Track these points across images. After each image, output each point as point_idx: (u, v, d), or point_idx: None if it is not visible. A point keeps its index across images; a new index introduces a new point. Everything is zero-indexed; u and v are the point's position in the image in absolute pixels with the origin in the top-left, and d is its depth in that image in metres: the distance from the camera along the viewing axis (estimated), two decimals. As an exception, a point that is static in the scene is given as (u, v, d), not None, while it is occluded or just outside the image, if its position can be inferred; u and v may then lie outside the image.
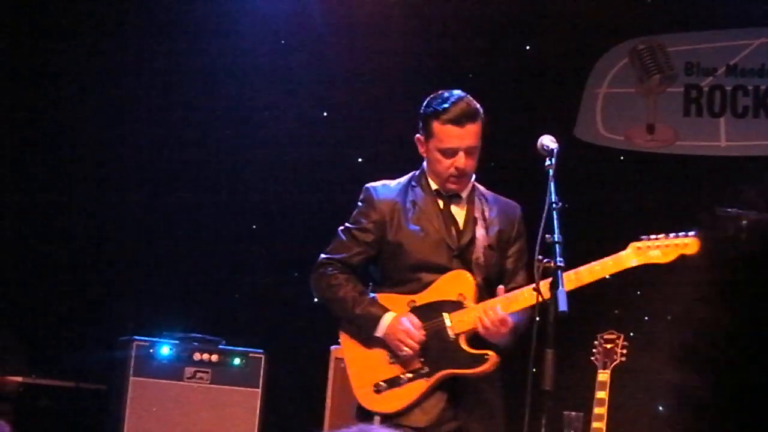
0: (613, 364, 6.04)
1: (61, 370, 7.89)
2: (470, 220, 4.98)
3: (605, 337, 6.09)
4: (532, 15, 8.64)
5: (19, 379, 7.66)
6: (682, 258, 4.87)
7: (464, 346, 4.84)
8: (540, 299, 4.50)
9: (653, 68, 8.58)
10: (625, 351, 6.05)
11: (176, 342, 7.41)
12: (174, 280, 8.40)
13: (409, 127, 8.54)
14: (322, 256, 5.06)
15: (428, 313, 4.84)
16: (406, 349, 4.77)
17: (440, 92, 5.00)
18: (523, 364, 4.61)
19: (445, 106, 4.90)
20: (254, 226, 8.67)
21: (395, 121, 8.64)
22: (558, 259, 4.42)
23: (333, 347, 6.98)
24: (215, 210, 8.59)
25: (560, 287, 4.35)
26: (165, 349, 7.36)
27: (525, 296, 4.81)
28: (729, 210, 5.65)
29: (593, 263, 4.87)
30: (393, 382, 4.81)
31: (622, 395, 6.81)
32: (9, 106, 8.43)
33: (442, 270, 4.89)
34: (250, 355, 7.47)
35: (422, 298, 4.88)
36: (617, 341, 6.06)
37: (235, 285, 8.55)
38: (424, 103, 5.03)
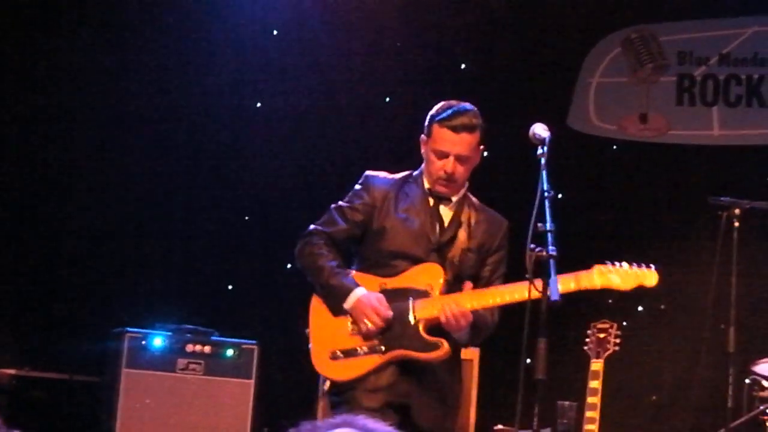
0: (607, 354, 6.04)
1: (54, 362, 7.88)
2: (455, 222, 5.19)
3: (598, 326, 6.09)
4: (525, 5, 8.63)
5: (12, 371, 7.65)
6: (640, 288, 5.06)
7: (422, 332, 5.03)
8: (532, 289, 4.51)
9: (646, 57, 8.57)
10: (618, 340, 6.06)
11: (169, 333, 7.40)
12: (167, 272, 8.39)
13: (404, 117, 8.59)
14: (311, 226, 5.29)
15: (395, 297, 5.05)
16: (369, 324, 4.99)
17: (451, 101, 5.24)
18: (516, 353, 4.62)
19: (449, 112, 5.14)
20: (246, 218, 8.66)
21: (390, 113, 8.65)
22: (550, 248, 4.42)
23: (326, 338, 6.98)
24: (208, 202, 8.58)
25: (552, 276, 4.36)
26: (158, 341, 7.35)
27: (493, 297, 5.03)
28: (722, 199, 5.63)
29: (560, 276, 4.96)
30: (349, 353, 5.03)
31: (615, 384, 6.81)
32: (3, 100, 8.42)
33: (418, 261, 5.12)
34: (243, 346, 7.46)
35: (393, 282, 5.10)
36: (610, 330, 6.07)
37: (227, 276, 8.54)
38: (434, 108, 5.23)
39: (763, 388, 6.19)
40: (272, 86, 8.68)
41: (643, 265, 5.08)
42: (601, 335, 6.06)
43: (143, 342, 7.32)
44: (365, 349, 5.02)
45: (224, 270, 8.51)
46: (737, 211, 6.00)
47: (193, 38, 8.57)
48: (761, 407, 6.16)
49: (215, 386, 7.35)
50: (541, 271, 4.48)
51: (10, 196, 8.38)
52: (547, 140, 4.76)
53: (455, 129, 5.09)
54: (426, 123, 5.20)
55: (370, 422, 2.38)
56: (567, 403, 6.77)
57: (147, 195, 8.47)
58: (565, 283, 4.81)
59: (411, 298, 5.04)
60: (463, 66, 8.68)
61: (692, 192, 7.88)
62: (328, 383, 5.11)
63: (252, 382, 7.40)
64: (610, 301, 7.10)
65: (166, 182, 8.52)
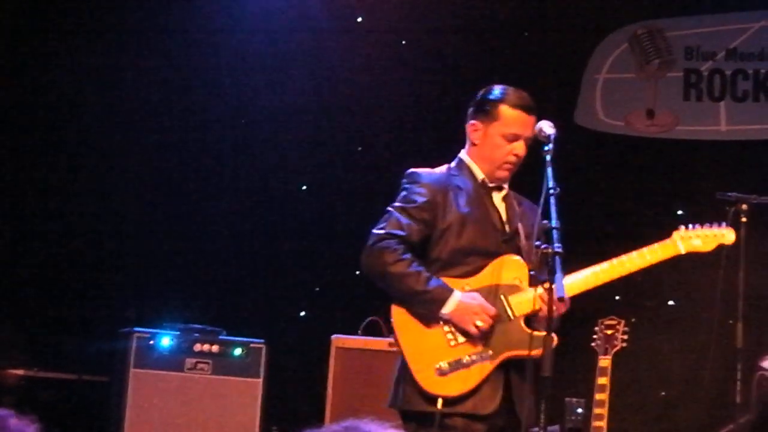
0: (614, 350, 6.02)
1: (63, 363, 7.89)
2: (510, 210, 5.01)
3: (606, 322, 6.07)
4: (531, 0, 8.62)
5: (21, 372, 7.67)
6: (721, 247, 5.17)
7: (525, 328, 4.82)
8: (546, 287, 4.45)
9: (653, 53, 8.55)
10: (626, 336, 6.04)
11: (177, 333, 7.40)
12: (174, 272, 8.39)
13: (406, 115, 8.59)
14: (378, 231, 4.86)
15: (485, 297, 4.80)
16: (479, 324, 4.71)
17: (498, 85, 5.05)
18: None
19: (515, 94, 4.97)
20: (254, 217, 8.65)
21: (392, 109, 8.64)
22: (556, 245, 4.40)
23: (334, 336, 6.98)
24: (215, 201, 8.58)
25: (558, 273, 4.33)
26: (165, 341, 7.35)
27: (590, 279, 4.91)
28: (729, 194, 5.60)
29: (642, 250, 4.97)
30: (455, 365, 4.71)
31: (623, 381, 6.80)
32: (7, 100, 8.43)
33: (493, 255, 4.87)
34: (251, 345, 7.46)
35: (476, 282, 4.84)
36: (618, 327, 6.05)
37: (235, 275, 8.53)
38: (484, 91, 5.05)
39: (772, 384, 6.17)
40: (273, 85, 8.67)
41: (715, 224, 5.16)
42: (609, 332, 6.04)
43: (151, 342, 7.33)
44: (473, 357, 4.73)
45: (232, 269, 8.51)
46: (745, 206, 5.97)
47: (192, 37, 8.58)
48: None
49: (223, 385, 7.34)
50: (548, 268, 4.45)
51: (18, 197, 8.39)
52: (552, 137, 4.74)
53: (529, 110, 4.93)
54: (481, 107, 4.97)
55: (375, 425, 2.35)
56: (575, 399, 6.76)
57: (154, 195, 8.48)
58: (655, 253, 4.90)
59: (503, 295, 4.82)
60: (468, 61, 8.66)
61: (700, 187, 7.86)
62: (440, 401, 4.68)
63: (260, 381, 7.39)
64: (617, 297, 7.10)
65: (174, 182, 8.54)
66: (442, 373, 4.70)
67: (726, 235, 5.15)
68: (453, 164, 5.06)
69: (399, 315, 4.82)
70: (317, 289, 8.52)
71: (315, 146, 8.66)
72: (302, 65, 8.64)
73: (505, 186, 5.02)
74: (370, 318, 7.07)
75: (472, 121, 5.00)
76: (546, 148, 4.72)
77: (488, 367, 4.75)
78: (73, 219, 8.38)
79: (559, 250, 4.38)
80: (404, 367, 4.80)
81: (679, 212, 8.33)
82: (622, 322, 6.08)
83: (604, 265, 4.94)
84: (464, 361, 4.73)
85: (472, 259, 4.85)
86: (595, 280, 4.92)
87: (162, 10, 8.50)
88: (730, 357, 6.01)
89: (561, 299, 4.33)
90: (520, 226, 4.95)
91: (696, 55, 8.58)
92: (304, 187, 8.73)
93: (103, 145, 8.47)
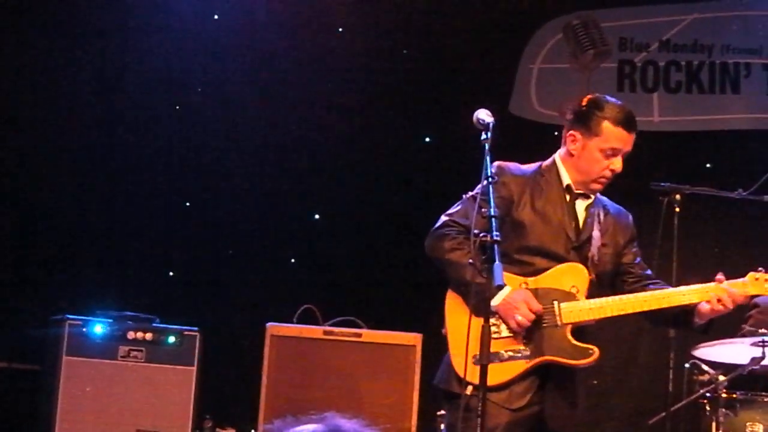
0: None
1: (-7, 350, 7.82)
2: (590, 219, 5.02)
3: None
4: (466, -10, 8.65)
5: (-49, 360, 7.59)
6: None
7: (570, 336, 4.82)
8: (480, 276, 4.47)
9: (587, 43, 8.60)
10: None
11: (110, 320, 7.33)
12: (107, 258, 8.33)
13: (344, 102, 8.58)
14: (446, 217, 4.96)
15: (538, 298, 4.83)
16: (520, 318, 4.75)
17: (599, 95, 5.07)
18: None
19: (618, 109, 4.97)
20: (187, 204, 8.61)
21: (331, 99, 8.64)
22: (494, 233, 4.40)
23: (269, 324, 6.95)
24: (148, 187, 8.52)
25: (497, 261, 4.33)
26: (98, 328, 7.29)
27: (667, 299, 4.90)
28: (663, 184, 5.65)
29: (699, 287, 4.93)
30: (493, 357, 4.67)
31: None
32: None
33: (559, 259, 4.91)
34: (185, 332, 7.41)
35: (535, 282, 4.88)
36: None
37: (169, 262, 8.49)
38: (587, 102, 5.03)
39: (703, 372, 6.24)
40: (213, 71, 8.63)
41: None
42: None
43: (84, 329, 7.25)
44: (510, 353, 4.78)
45: (165, 256, 8.46)
46: (678, 196, 6.04)
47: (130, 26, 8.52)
48: (701, 391, 6.21)
49: (157, 373, 7.30)
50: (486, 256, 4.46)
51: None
52: (491, 125, 4.74)
53: (630, 127, 4.96)
54: (583, 119, 4.97)
55: (345, 422, 2.36)
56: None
57: (86, 181, 8.40)
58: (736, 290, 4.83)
59: (556, 301, 4.84)
60: (405, 51, 8.67)
61: (633, 178, 7.91)
62: (470, 387, 4.69)
63: (194, 369, 7.35)
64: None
65: (105, 168, 8.46)
66: (477, 362, 4.65)
67: None
68: (545, 163, 5.10)
69: (452, 300, 4.91)
70: (252, 276, 8.49)
71: (246, 134, 8.63)
72: (244, 51, 8.62)
73: (593, 195, 5.05)
74: (305, 306, 7.06)
75: (572, 132, 5.02)
76: (484, 137, 4.72)
77: (523, 365, 4.81)
78: (3, 206, 8.29)
79: (498, 238, 4.39)
80: (448, 359, 4.90)
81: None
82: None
83: (662, 292, 4.95)
84: (502, 355, 4.78)
85: (537, 259, 4.90)
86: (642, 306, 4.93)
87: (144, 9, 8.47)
88: (663, 346, 6.06)
89: (499, 287, 4.34)
90: (596, 235, 4.98)
91: (630, 46, 8.65)
92: (238, 175, 8.70)
93: (31, 134, 8.36)
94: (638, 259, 5.12)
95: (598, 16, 8.66)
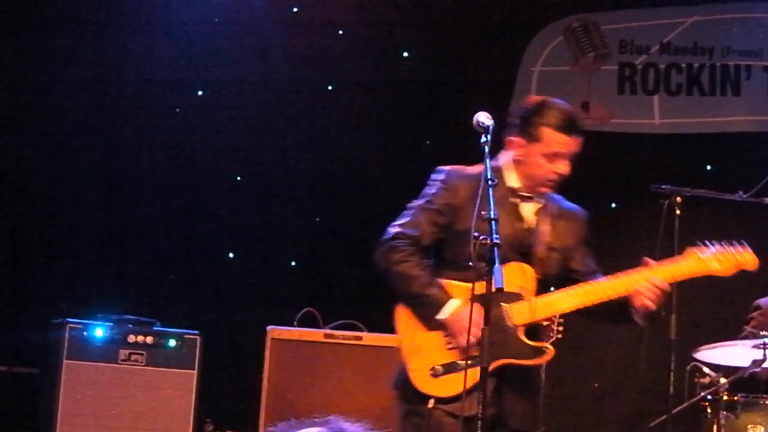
0: (549, 341, 6.05)
1: (-7, 354, 7.82)
2: (540, 220, 4.99)
3: (542, 314, 6.10)
4: (467, -7, 8.66)
5: (-49, 363, 7.59)
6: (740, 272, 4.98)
7: (522, 337, 4.84)
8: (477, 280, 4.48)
9: (588, 46, 8.60)
10: (560, 328, 6.06)
11: (110, 324, 7.33)
12: (107, 262, 8.32)
13: (345, 104, 8.58)
14: (393, 229, 4.94)
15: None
16: (468, 338, 4.66)
17: (540, 98, 5.02)
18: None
19: (560, 116, 4.91)
20: (188, 208, 8.60)
21: (332, 99, 8.64)
22: (494, 236, 4.40)
23: (269, 327, 6.95)
24: (149, 191, 8.52)
25: (497, 264, 4.33)
26: (99, 331, 7.28)
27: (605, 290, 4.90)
28: (663, 187, 5.63)
29: (651, 270, 4.91)
30: (450, 368, 4.76)
31: (557, 371, 6.84)
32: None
33: (505, 263, 4.75)
34: (186, 336, 7.41)
35: (481, 287, 4.71)
36: (553, 318, 6.06)
37: (169, 266, 8.48)
38: (528, 107, 4.99)
39: (704, 375, 6.24)
40: (213, 74, 8.63)
41: (736, 243, 4.98)
42: (545, 323, 6.07)
43: (84, 333, 7.25)
44: (467, 361, 4.68)
45: (165, 259, 8.46)
46: (679, 199, 6.02)
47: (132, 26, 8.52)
48: (702, 393, 6.21)
49: (157, 377, 7.29)
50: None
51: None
52: (490, 128, 4.74)
53: (573, 132, 4.90)
54: (525, 126, 4.93)
55: (348, 425, 2.36)
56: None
57: (87, 184, 8.40)
58: (665, 273, 4.82)
59: (505, 304, 4.83)
60: (405, 54, 8.67)
61: (634, 180, 7.93)
62: (432, 401, 4.75)
63: (194, 372, 7.35)
64: (552, 289, 7.12)
65: (106, 171, 8.46)
66: (435, 374, 4.77)
67: (749, 262, 4.96)
68: (491, 165, 4.91)
69: (403, 314, 4.91)
70: (252, 279, 8.49)
71: (246, 136, 8.62)
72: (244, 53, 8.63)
73: (540, 199, 5.01)
74: (306, 309, 7.06)
75: (514, 138, 4.98)
76: (484, 139, 4.71)
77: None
78: (4, 209, 8.28)
79: (498, 241, 4.38)
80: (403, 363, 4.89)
81: (613, 205, 8.41)
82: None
83: (591, 285, 4.94)
84: (458, 365, 4.77)
85: (483, 264, 4.74)
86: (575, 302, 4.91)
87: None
88: (664, 348, 6.06)
89: (499, 290, 4.33)
90: (545, 235, 4.96)
91: (630, 48, 8.65)
92: (239, 178, 8.70)
93: (30, 137, 8.36)
94: (587, 259, 5.09)
95: (598, 18, 8.65)
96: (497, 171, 4.95)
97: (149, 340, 7.33)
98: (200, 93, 8.65)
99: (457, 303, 4.79)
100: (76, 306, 7.66)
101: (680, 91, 8.55)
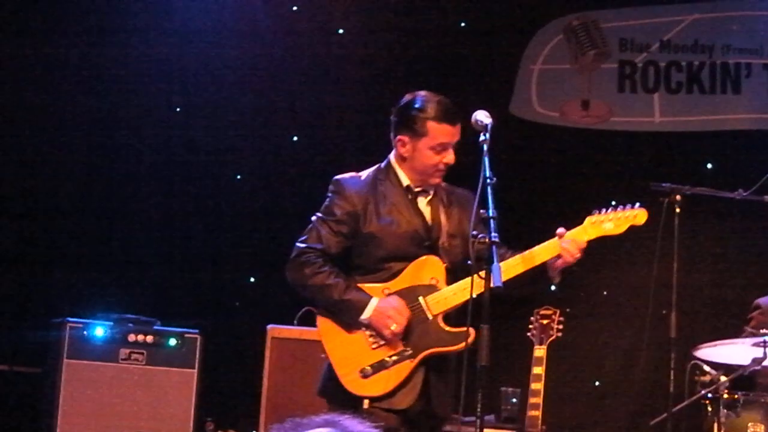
0: (550, 340, 6.06)
1: (-6, 353, 7.82)
2: (435, 211, 5.10)
3: (541, 312, 6.11)
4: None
5: (-48, 363, 7.59)
6: (632, 228, 5.11)
7: (443, 325, 4.94)
8: (476, 278, 4.52)
9: (588, 44, 8.60)
10: (561, 326, 6.08)
11: (111, 323, 7.34)
12: (108, 261, 8.32)
13: (340, 102, 8.58)
14: (300, 245, 5.06)
15: (404, 298, 4.95)
16: (394, 326, 4.87)
17: (416, 94, 5.09)
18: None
19: (438, 107, 5.01)
20: (188, 207, 8.60)
21: (327, 99, 8.64)
22: (492, 234, 4.42)
23: (269, 326, 6.95)
24: (149, 190, 8.52)
25: (495, 262, 4.36)
26: (99, 331, 7.29)
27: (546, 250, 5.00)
28: (663, 185, 5.63)
29: (547, 242, 5.00)
30: (379, 366, 4.89)
31: (558, 370, 6.84)
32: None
33: (413, 259, 5.01)
34: (186, 335, 7.42)
35: (395, 285, 4.99)
36: (553, 317, 6.09)
37: (170, 265, 8.48)
38: (408, 105, 5.06)
39: (705, 373, 6.23)
40: (213, 74, 8.63)
41: (629, 205, 5.12)
42: (544, 321, 6.08)
43: (85, 332, 7.26)
44: (394, 357, 4.90)
45: (166, 259, 8.46)
46: (678, 197, 6.02)
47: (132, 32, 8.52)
48: (703, 391, 6.20)
49: (158, 376, 7.30)
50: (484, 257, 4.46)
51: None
52: (489, 127, 4.75)
53: (454, 120, 4.99)
54: (407, 123, 5.02)
55: (355, 423, 2.35)
56: (510, 389, 6.79)
57: (87, 183, 8.40)
58: (573, 236, 4.94)
59: (421, 296, 4.95)
60: (405, 52, 8.67)
61: (634, 178, 7.92)
62: (366, 402, 4.88)
63: (195, 371, 7.36)
64: (552, 288, 7.13)
65: (106, 171, 8.46)
66: (365, 375, 4.89)
67: (638, 215, 5.11)
68: (382, 165, 5.16)
69: (323, 323, 5.03)
70: (252, 279, 8.49)
71: (249, 136, 8.63)
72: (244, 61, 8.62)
73: (431, 190, 5.10)
74: (306, 308, 7.05)
75: (400, 136, 5.07)
76: (482, 138, 4.72)
77: (409, 365, 4.92)
78: (4, 208, 8.28)
79: (496, 239, 4.41)
80: (331, 370, 4.98)
81: (613, 202, 8.39)
82: (558, 312, 6.12)
83: (525, 254, 4.99)
84: (386, 362, 4.90)
85: (392, 264, 5.00)
86: (515, 270, 4.95)
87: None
88: (664, 347, 6.06)
89: (498, 288, 4.36)
90: (444, 224, 5.06)
91: (630, 46, 8.64)
92: (239, 177, 8.70)
93: (35, 137, 8.36)
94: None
95: (598, 16, 8.65)
96: (390, 170, 5.12)
97: (149, 339, 7.34)
98: (200, 93, 8.65)
99: (376, 301, 4.92)
100: (76, 305, 7.68)
101: (680, 89, 8.55)
